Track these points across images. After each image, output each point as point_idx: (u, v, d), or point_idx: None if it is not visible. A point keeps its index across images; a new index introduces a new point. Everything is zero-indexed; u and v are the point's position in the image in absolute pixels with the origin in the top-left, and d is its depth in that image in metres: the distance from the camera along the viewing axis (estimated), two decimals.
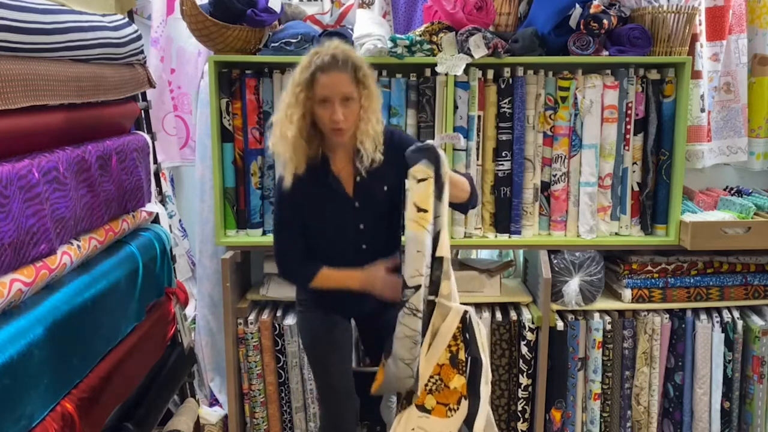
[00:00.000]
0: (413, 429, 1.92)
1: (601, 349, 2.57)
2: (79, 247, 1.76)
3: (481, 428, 1.87)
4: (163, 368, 2.33)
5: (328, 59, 1.78)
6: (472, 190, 1.93)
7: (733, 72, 2.75)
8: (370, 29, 2.40)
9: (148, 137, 2.36)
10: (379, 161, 1.86)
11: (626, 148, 2.54)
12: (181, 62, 2.92)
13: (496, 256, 3.01)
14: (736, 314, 2.61)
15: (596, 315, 2.58)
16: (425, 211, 1.72)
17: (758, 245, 2.45)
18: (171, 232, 2.65)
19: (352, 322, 2.20)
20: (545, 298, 2.47)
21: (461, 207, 1.99)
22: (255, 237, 2.55)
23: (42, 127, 1.67)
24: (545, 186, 2.55)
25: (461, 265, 2.68)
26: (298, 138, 1.80)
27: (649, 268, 2.57)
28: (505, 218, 2.54)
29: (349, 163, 1.92)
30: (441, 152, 1.73)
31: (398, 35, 2.40)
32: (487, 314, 2.56)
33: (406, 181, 1.76)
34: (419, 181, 1.72)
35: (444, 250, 1.79)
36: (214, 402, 2.92)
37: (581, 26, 2.36)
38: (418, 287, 1.74)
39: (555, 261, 2.51)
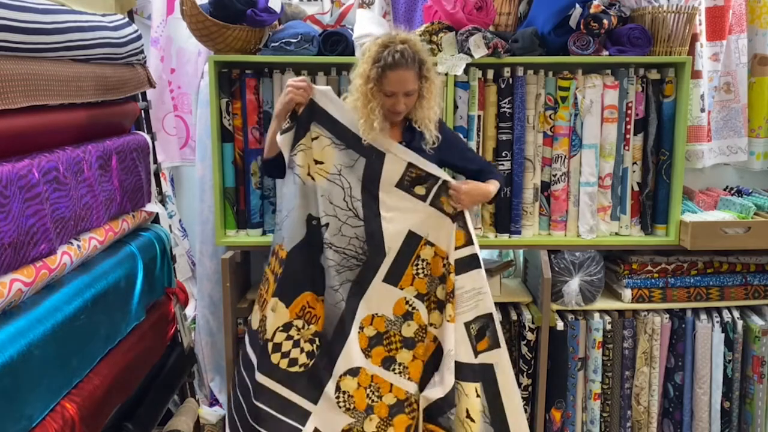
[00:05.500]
0: None
1: (601, 349, 2.57)
2: (79, 247, 1.76)
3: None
4: (163, 368, 2.33)
5: (398, 57, 1.94)
6: (498, 191, 2.21)
7: (733, 72, 2.75)
8: (370, 29, 2.40)
9: (148, 137, 2.37)
10: (436, 141, 2.09)
11: (626, 148, 2.54)
12: (181, 62, 2.92)
13: (496, 256, 3.01)
14: (736, 314, 2.61)
15: (596, 315, 2.58)
16: (322, 162, 2.07)
17: (758, 245, 2.45)
18: (171, 232, 2.65)
19: None
20: (545, 298, 2.47)
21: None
22: (255, 237, 2.55)
23: (43, 127, 1.67)
24: (545, 186, 2.55)
25: None
26: (383, 126, 2.04)
27: (649, 268, 2.57)
28: (505, 218, 2.54)
29: (396, 126, 2.14)
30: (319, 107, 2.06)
31: None
32: None
33: (309, 138, 2.06)
34: (313, 139, 2.06)
35: None
36: (214, 402, 2.92)
37: (581, 26, 2.36)
38: (326, 225, 2.08)
39: (555, 261, 2.51)
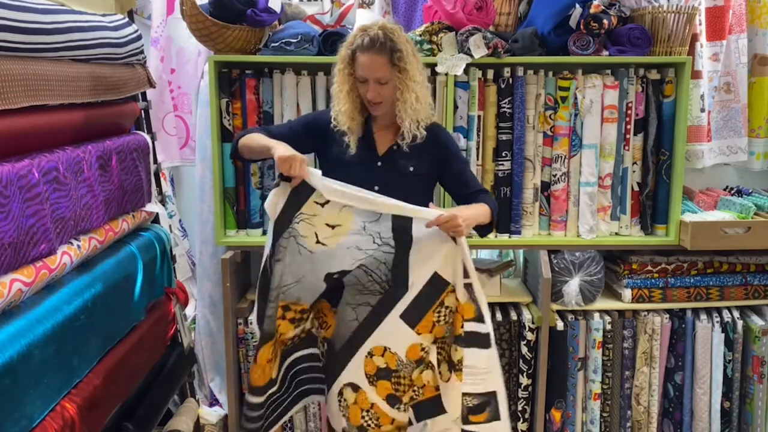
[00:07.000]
0: None
1: (601, 349, 2.57)
2: (79, 247, 1.76)
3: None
4: (163, 368, 2.33)
5: (367, 41, 1.88)
6: (492, 218, 2.01)
7: (733, 72, 2.75)
8: None
9: (148, 137, 2.36)
10: (421, 138, 1.97)
11: (626, 148, 2.54)
12: (181, 62, 2.92)
13: (496, 256, 3.01)
14: (736, 314, 2.61)
15: (596, 315, 2.58)
16: (338, 225, 1.91)
17: (758, 245, 2.45)
18: (171, 232, 2.65)
19: None
20: (545, 298, 2.47)
21: (479, 230, 2.05)
22: (255, 237, 2.55)
23: (42, 127, 1.67)
24: (545, 186, 2.55)
25: None
26: (352, 110, 1.97)
27: (649, 268, 2.57)
28: (505, 218, 2.54)
29: (390, 128, 2.04)
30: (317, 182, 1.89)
31: None
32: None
33: (315, 204, 1.90)
34: (323, 204, 1.90)
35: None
36: (214, 402, 2.92)
37: (581, 26, 2.36)
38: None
39: (555, 261, 2.51)
